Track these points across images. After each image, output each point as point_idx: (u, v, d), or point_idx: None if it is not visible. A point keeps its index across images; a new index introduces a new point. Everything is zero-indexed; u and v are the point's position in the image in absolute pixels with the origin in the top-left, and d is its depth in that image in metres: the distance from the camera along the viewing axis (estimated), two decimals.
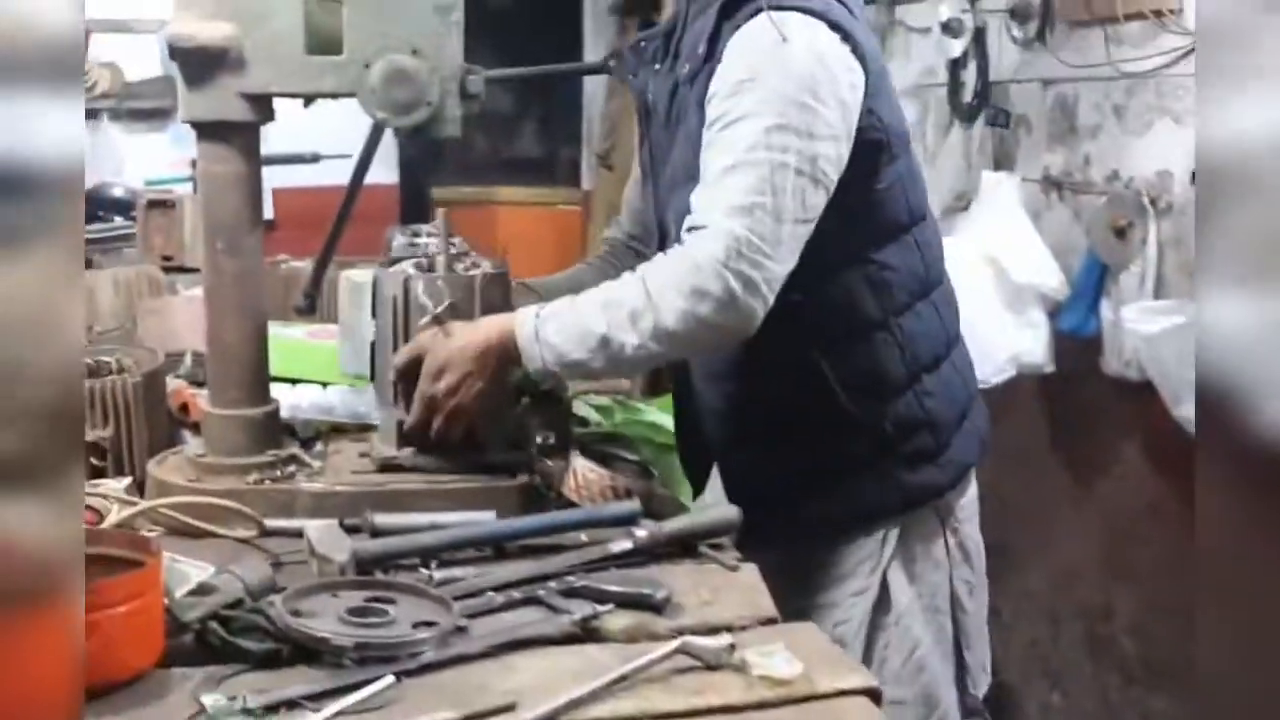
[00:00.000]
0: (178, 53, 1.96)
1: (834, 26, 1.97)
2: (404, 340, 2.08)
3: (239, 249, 2.06)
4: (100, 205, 4.52)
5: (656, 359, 2.03)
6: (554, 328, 1.96)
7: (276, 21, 1.97)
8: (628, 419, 2.87)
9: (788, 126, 1.91)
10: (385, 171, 6.18)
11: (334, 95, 2.02)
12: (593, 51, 6.94)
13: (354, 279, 2.15)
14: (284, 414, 2.32)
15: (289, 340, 2.67)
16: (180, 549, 1.78)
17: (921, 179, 2.26)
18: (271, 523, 2.00)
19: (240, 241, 2.06)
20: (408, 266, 2.11)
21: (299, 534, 1.93)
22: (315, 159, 4.98)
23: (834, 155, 1.97)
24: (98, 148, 5.73)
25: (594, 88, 7.10)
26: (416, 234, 3.82)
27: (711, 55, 2.04)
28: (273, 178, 6.35)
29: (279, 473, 2.09)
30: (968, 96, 4.21)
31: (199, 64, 1.97)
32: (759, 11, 1.95)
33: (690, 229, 1.95)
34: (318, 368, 2.56)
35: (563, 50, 6.85)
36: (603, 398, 2.98)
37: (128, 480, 2.14)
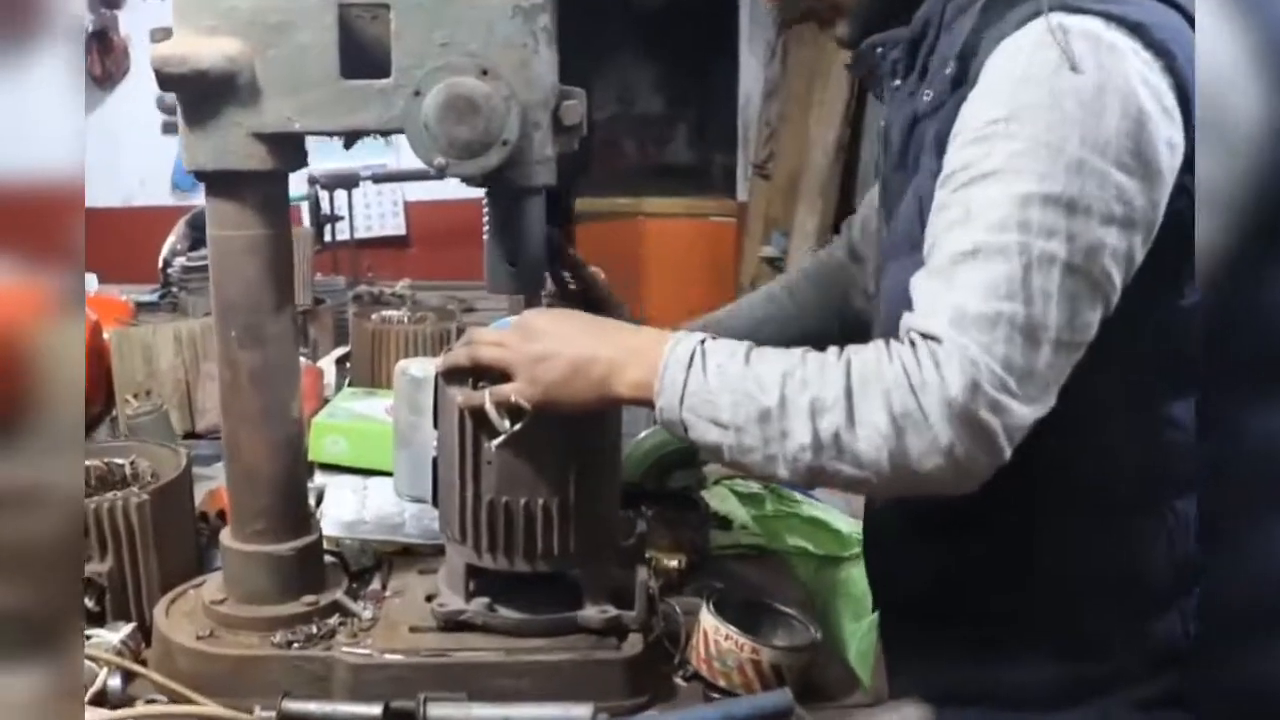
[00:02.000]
0: (169, 81, 1.43)
1: (1153, 46, 1.28)
2: (473, 460, 1.52)
3: (259, 338, 1.53)
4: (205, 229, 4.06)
5: (818, 479, 1.36)
6: (716, 366, 1.36)
7: (300, 35, 1.44)
8: (781, 513, 2.29)
9: (1058, 199, 1.25)
10: None
11: (378, 132, 1.48)
12: (749, 53, 6.35)
13: (412, 373, 1.60)
14: (337, 531, 1.80)
15: (363, 423, 2.15)
16: None
17: None
18: (295, 706, 1.47)
19: (261, 328, 1.53)
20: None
21: None
22: (442, 174, 4.53)
23: (1124, 249, 1.28)
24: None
25: (750, 87, 6.52)
26: None
27: (964, 79, 1.36)
28: (406, 192, 5.99)
29: (314, 629, 1.57)
30: None
31: (198, 95, 1.45)
32: (1036, 15, 1.29)
33: (915, 331, 1.31)
34: None
35: (718, 52, 6.28)
36: (751, 484, 2.40)
37: (129, 628, 1.63)
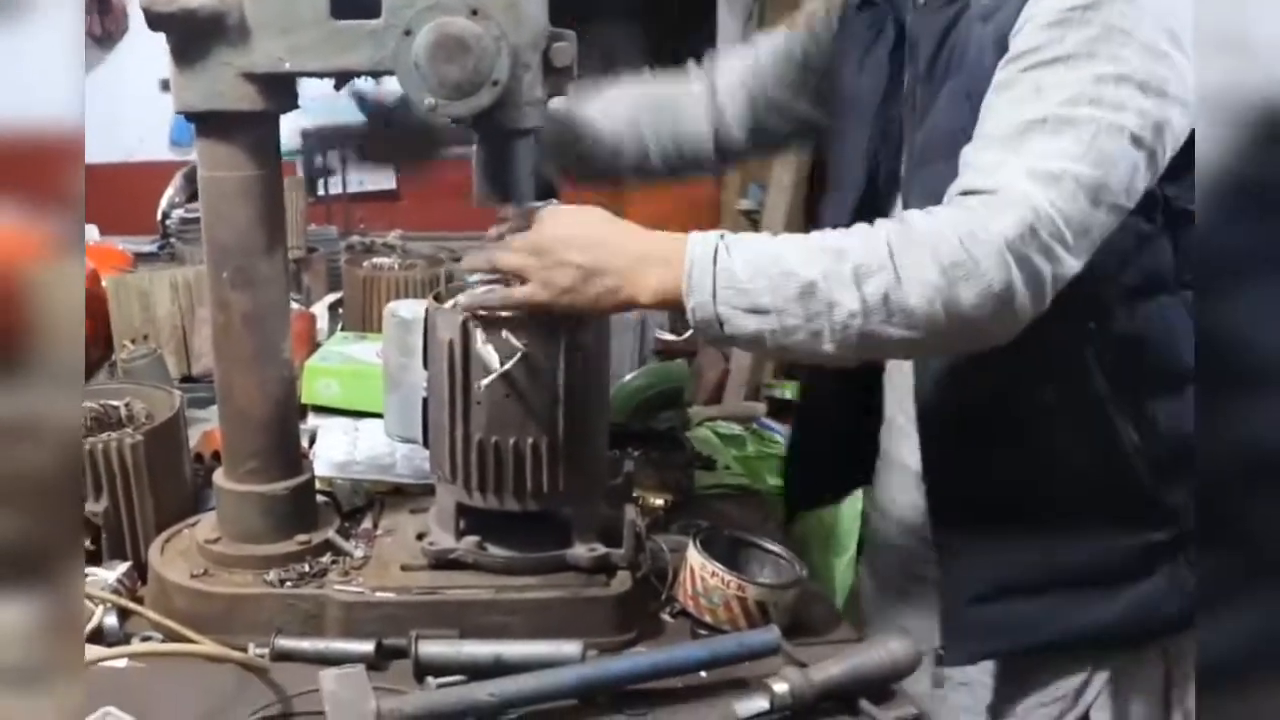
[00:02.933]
0: (158, 20, 1.35)
1: None
2: (463, 400, 1.46)
3: (251, 279, 1.46)
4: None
5: (866, 346, 1.30)
6: (743, 256, 1.31)
7: None
8: (762, 454, 2.24)
9: (1131, 78, 1.27)
10: None
11: (369, 73, 1.40)
12: (727, 15, 6.25)
13: (401, 314, 1.53)
14: (328, 471, 1.74)
15: (355, 366, 2.08)
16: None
17: None
18: (289, 643, 1.42)
19: (253, 270, 1.46)
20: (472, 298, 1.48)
21: (321, 661, 1.36)
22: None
23: (1181, 126, 1.31)
24: None
25: (729, 44, 6.41)
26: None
27: None
28: None
29: (307, 567, 1.51)
30: None
31: (188, 36, 1.37)
32: None
33: (968, 192, 1.30)
34: None
35: (697, 10, 6.18)
36: (732, 424, 2.35)
37: (124, 566, 1.56)
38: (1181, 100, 1.29)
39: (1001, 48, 1.35)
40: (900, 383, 1.61)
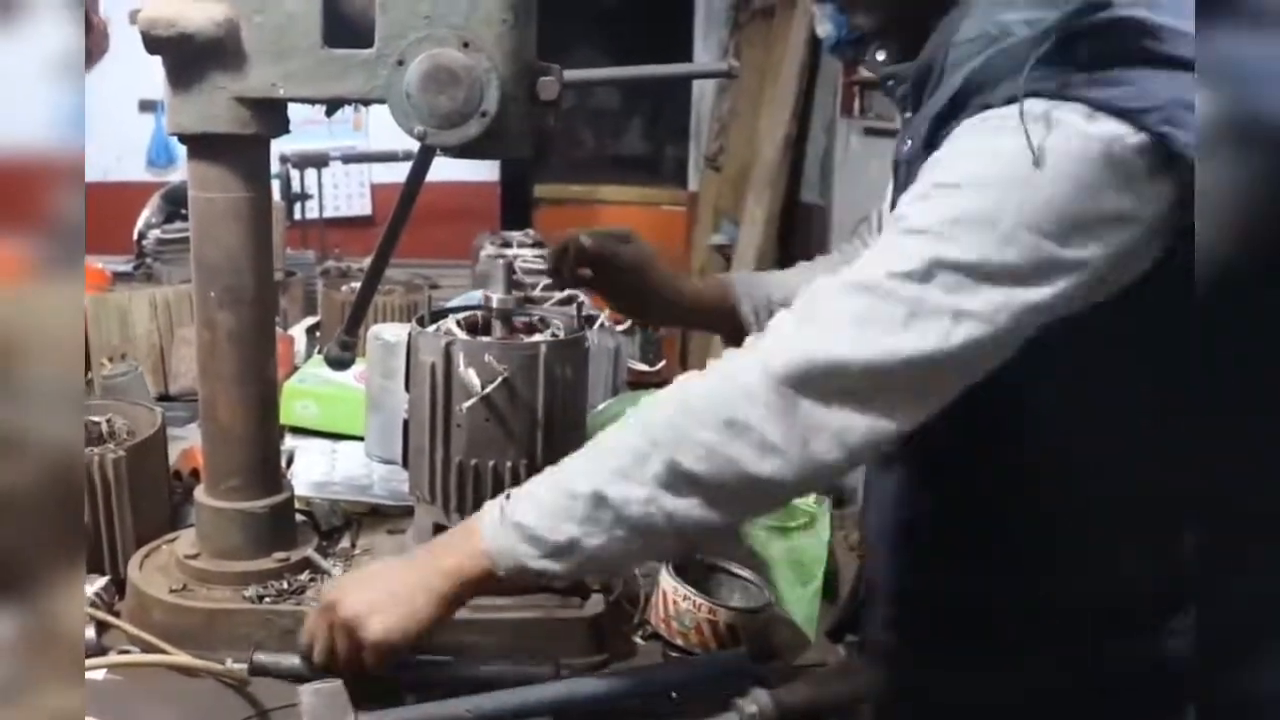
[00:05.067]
0: (155, 44, 1.38)
1: (1145, 129, 1.14)
2: (443, 422, 1.48)
3: (239, 300, 1.48)
4: (180, 203, 3.98)
5: (682, 530, 1.21)
6: (528, 504, 1.25)
7: (286, 2, 1.38)
8: None
9: (977, 269, 1.15)
10: (486, 168, 5.61)
11: (360, 101, 1.43)
12: (703, 50, 6.31)
13: (385, 338, 1.55)
14: (306, 491, 1.76)
15: (333, 389, 2.10)
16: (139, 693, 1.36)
17: None
18: (267, 658, 1.43)
19: (240, 289, 1.48)
20: (454, 325, 1.51)
21: (299, 677, 1.38)
22: (408, 157, 4.48)
23: (1044, 305, 1.16)
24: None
25: (703, 85, 6.47)
26: (507, 243, 3.27)
27: (932, 143, 1.24)
28: (373, 173, 5.92)
29: (285, 584, 1.52)
30: None
31: (184, 59, 1.39)
32: (1011, 101, 1.17)
33: (761, 334, 1.25)
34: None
35: (672, 49, 6.23)
36: None
37: (103, 581, 1.58)
38: (1050, 279, 1.16)
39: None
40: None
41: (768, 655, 1.51)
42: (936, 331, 1.15)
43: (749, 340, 1.25)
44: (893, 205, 1.37)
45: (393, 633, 1.30)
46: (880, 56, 1.46)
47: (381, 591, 1.31)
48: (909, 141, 1.33)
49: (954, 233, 1.16)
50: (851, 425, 1.17)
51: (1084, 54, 1.18)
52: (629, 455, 1.21)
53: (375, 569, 1.39)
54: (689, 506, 1.19)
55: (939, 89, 1.29)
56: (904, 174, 1.34)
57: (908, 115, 1.39)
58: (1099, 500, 1.32)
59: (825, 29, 4.26)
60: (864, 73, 4.62)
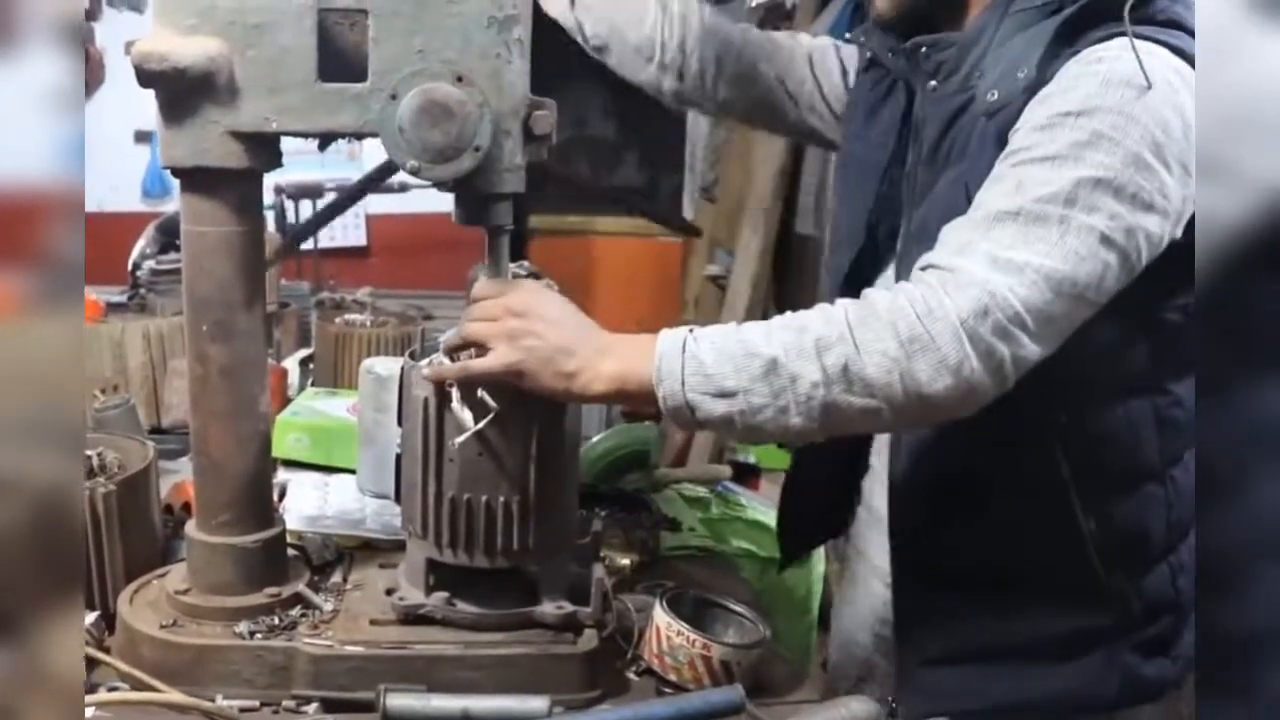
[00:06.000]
0: (149, 78, 1.38)
1: None
2: (436, 457, 1.47)
3: (230, 332, 1.48)
4: (175, 234, 3.97)
5: (832, 418, 1.32)
6: (709, 344, 1.34)
7: (279, 37, 1.39)
8: (726, 516, 2.26)
9: (1109, 184, 1.31)
10: None
11: (353, 135, 1.43)
12: None
13: (377, 371, 1.55)
14: (299, 525, 1.75)
15: (326, 421, 2.09)
16: None
17: None
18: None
19: (232, 323, 1.47)
20: (447, 359, 1.50)
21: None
22: (403, 189, 4.49)
23: (1157, 235, 1.36)
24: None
25: (699, 117, 6.48)
26: None
27: (1036, 85, 1.40)
28: (368, 204, 5.92)
29: (277, 620, 1.51)
30: None
31: (177, 93, 1.39)
32: (1114, 37, 1.36)
33: (929, 266, 1.35)
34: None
35: None
36: (697, 487, 2.37)
37: (93, 616, 1.57)
38: (1160, 210, 1.33)
39: (1002, 144, 1.40)
40: (881, 434, 1.67)
41: (762, 691, 1.50)
42: (1086, 249, 1.30)
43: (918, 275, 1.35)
44: (904, 164, 1.60)
45: (523, 376, 1.38)
46: (882, 5, 1.57)
47: (558, 340, 1.38)
48: (993, 94, 1.44)
49: (1087, 155, 1.31)
50: (1019, 354, 1.30)
51: (1154, 13, 1.38)
52: (813, 339, 1.31)
53: (569, 315, 1.43)
54: (852, 403, 1.30)
55: (994, 49, 1.46)
56: (966, 125, 1.46)
57: (933, 84, 1.52)
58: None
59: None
60: None
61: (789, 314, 1.36)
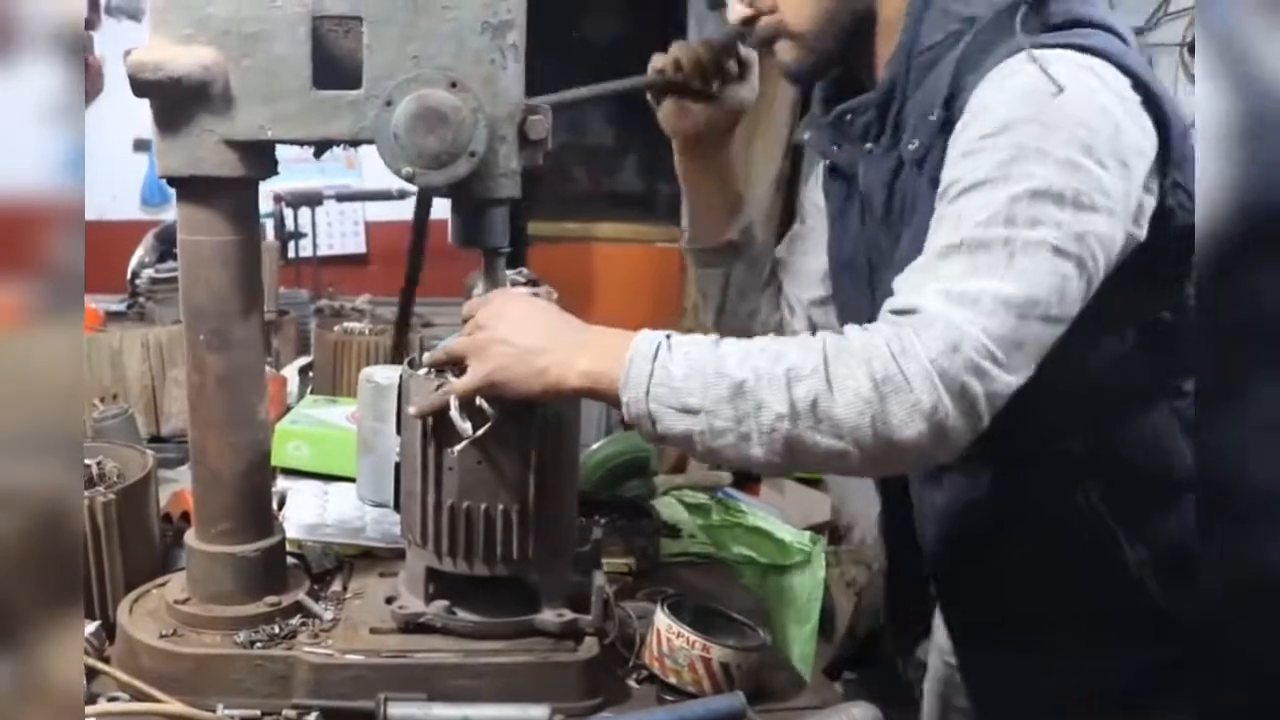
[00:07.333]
0: (143, 87, 1.37)
1: (1124, 70, 1.33)
2: (435, 465, 1.47)
3: (228, 342, 1.47)
4: (173, 243, 3.97)
5: (794, 454, 1.27)
6: (683, 354, 1.30)
7: (274, 45, 1.38)
8: (727, 523, 2.25)
9: (1045, 193, 1.27)
10: None
11: (349, 142, 1.42)
12: None
13: (376, 379, 1.54)
14: (298, 533, 1.74)
15: (325, 429, 2.09)
16: None
17: None
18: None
19: (229, 333, 1.47)
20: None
21: None
22: (402, 196, 4.48)
23: (1109, 235, 1.30)
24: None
25: None
26: None
27: (949, 122, 1.36)
28: (367, 212, 5.91)
29: (277, 629, 1.50)
30: None
31: (172, 102, 1.39)
32: (1014, 53, 1.33)
33: (894, 310, 1.30)
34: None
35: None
36: (697, 493, 2.36)
37: (93, 626, 1.56)
38: (1105, 209, 1.29)
39: (937, 187, 1.36)
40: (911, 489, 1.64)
41: (763, 697, 1.49)
42: (1038, 266, 1.26)
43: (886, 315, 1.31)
44: (841, 236, 1.60)
45: (499, 385, 1.38)
46: (788, 58, 1.56)
47: (525, 341, 1.37)
48: (913, 143, 1.42)
49: (1015, 171, 1.27)
50: (991, 389, 1.24)
51: (1048, 17, 1.36)
52: (785, 368, 1.25)
53: (536, 313, 1.42)
54: (819, 442, 1.25)
55: (912, 97, 1.41)
56: (907, 178, 1.44)
57: (868, 147, 1.50)
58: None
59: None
60: None
61: (772, 337, 1.33)
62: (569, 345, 1.37)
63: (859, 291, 1.60)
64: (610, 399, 1.34)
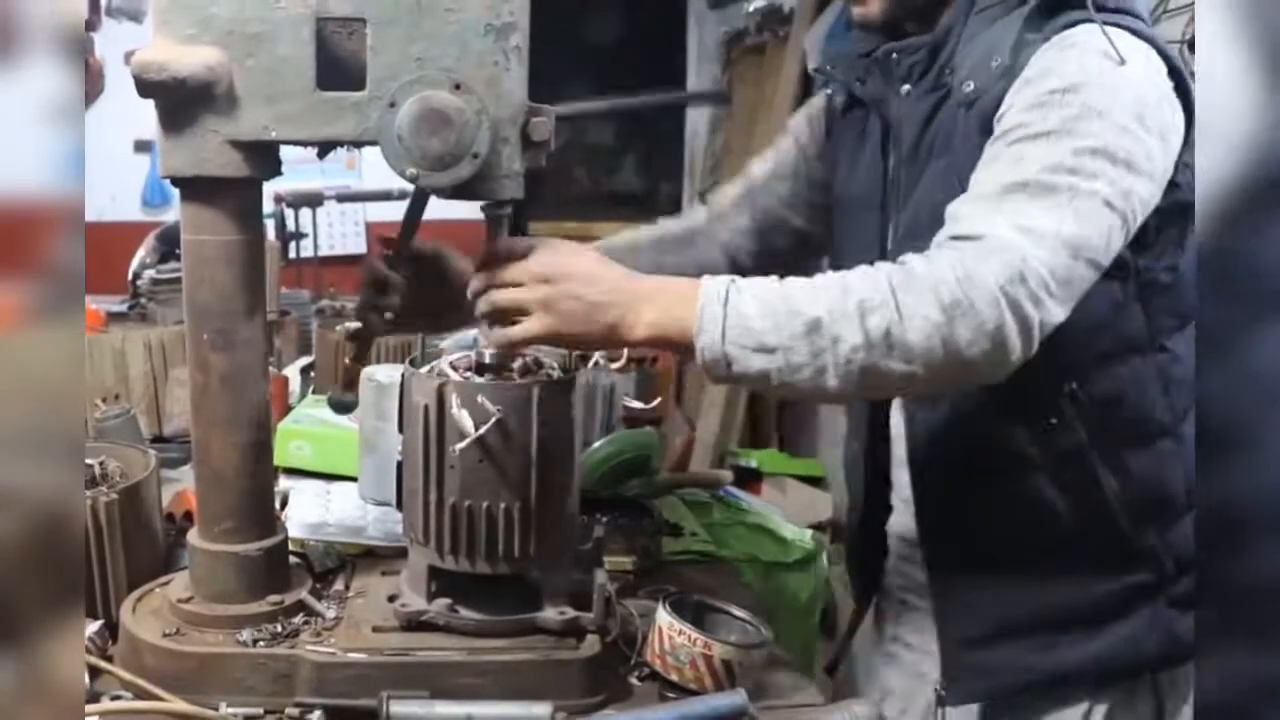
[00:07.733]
0: (148, 88, 1.38)
1: (1164, 56, 1.49)
2: (437, 464, 1.47)
3: (231, 342, 1.48)
4: (174, 244, 3.99)
5: (868, 381, 1.34)
6: (752, 296, 1.36)
7: (278, 46, 1.39)
8: (728, 520, 2.26)
9: (1104, 151, 1.40)
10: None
11: (352, 143, 1.43)
12: (696, 87, 6.33)
13: (377, 378, 1.55)
14: (301, 533, 1.75)
15: (327, 429, 2.10)
16: None
17: None
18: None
19: (233, 332, 1.48)
20: (447, 366, 1.51)
21: None
22: (402, 196, 4.49)
23: (1147, 197, 1.45)
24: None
25: (697, 121, 6.49)
26: None
27: (1010, 71, 1.48)
28: (367, 212, 5.93)
29: (279, 628, 1.51)
30: None
31: (176, 103, 1.39)
32: (1078, 24, 1.47)
33: (956, 238, 1.38)
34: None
35: (665, 87, 6.25)
36: (698, 492, 2.37)
37: (96, 625, 1.57)
38: (1148, 174, 1.42)
39: (985, 131, 1.47)
40: (898, 423, 1.70)
41: (765, 694, 1.50)
42: (1093, 214, 1.37)
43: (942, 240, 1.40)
44: (852, 169, 1.71)
45: (564, 337, 1.41)
46: (874, 11, 1.63)
47: (594, 297, 1.39)
48: (969, 85, 1.51)
49: (1080, 128, 1.39)
50: (1046, 318, 1.35)
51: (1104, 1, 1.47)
52: (856, 301, 1.32)
53: (601, 268, 1.43)
54: (891, 368, 1.33)
55: (963, 47, 1.54)
56: (946, 119, 1.55)
57: (906, 88, 1.61)
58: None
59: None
60: None
61: (831, 273, 1.39)
62: (633, 297, 1.40)
63: (866, 225, 1.68)
64: (679, 346, 1.38)
